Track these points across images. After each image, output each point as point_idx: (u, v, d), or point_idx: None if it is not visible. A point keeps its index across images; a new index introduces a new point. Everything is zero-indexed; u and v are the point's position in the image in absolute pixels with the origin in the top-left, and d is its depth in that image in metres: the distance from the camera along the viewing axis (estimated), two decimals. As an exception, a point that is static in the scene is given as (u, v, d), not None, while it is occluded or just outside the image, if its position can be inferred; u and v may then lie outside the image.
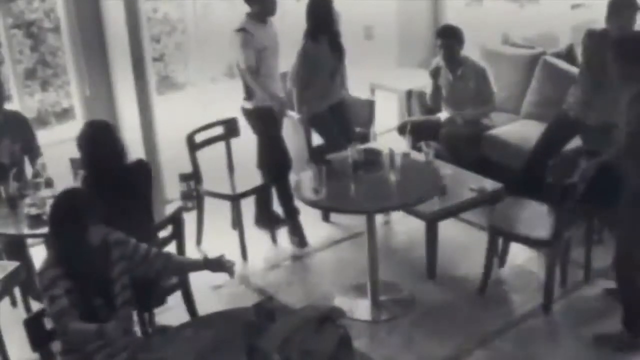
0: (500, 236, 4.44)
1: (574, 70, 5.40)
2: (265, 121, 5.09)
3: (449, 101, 5.64)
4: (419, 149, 4.71)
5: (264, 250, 5.16)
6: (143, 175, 3.94)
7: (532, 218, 4.37)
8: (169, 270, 3.23)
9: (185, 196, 5.18)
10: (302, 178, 4.35)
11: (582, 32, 5.09)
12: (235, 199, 5.06)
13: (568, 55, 5.84)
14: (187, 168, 5.08)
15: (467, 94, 5.52)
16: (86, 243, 2.96)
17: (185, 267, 3.36)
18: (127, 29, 4.95)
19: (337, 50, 5.39)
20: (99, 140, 3.70)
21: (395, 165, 4.22)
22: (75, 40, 5.23)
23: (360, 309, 4.34)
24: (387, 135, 6.37)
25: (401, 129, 5.65)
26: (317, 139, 5.55)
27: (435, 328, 4.19)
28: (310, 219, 5.35)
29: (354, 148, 4.36)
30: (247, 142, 5.30)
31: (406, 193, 4.17)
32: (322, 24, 5.22)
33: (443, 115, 5.70)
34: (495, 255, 4.49)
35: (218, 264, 3.14)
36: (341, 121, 5.50)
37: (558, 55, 5.85)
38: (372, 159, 4.35)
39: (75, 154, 4.45)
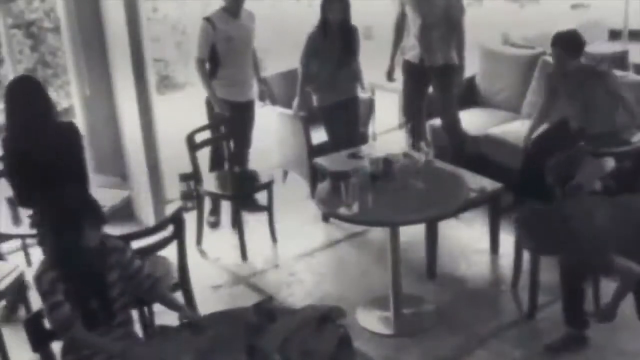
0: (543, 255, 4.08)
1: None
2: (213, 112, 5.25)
3: (417, 29, 5.42)
4: (419, 149, 4.70)
5: (264, 250, 5.15)
6: (72, 136, 4.05)
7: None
8: (153, 295, 3.23)
9: (185, 196, 5.18)
10: (321, 191, 4.13)
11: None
12: (235, 199, 5.06)
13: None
14: (187, 168, 5.08)
15: (435, 17, 5.28)
16: (81, 244, 2.94)
17: (165, 301, 3.26)
18: (127, 29, 4.95)
19: (346, 43, 5.31)
20: (28, 96, 3.87)
21: (417, 174, 4.12)
22: (75, 40, 5.23)
23: (382, 322, 4.26)
24: (387, 135, 6.37)
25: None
26: (316, 139, 5.54)
27: (436, 328, 4.19)
28: (310, 219, 5.35)
29: (372, 158, 4.23)
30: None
31: (433, 204, 4.00)
32: (329, 14, 5.16)
33: (410, 53, 5.61)
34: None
35: (188, 315, 3.12)
36: (348, 120, 5.50)
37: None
38: (389, 168, 4.17)
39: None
